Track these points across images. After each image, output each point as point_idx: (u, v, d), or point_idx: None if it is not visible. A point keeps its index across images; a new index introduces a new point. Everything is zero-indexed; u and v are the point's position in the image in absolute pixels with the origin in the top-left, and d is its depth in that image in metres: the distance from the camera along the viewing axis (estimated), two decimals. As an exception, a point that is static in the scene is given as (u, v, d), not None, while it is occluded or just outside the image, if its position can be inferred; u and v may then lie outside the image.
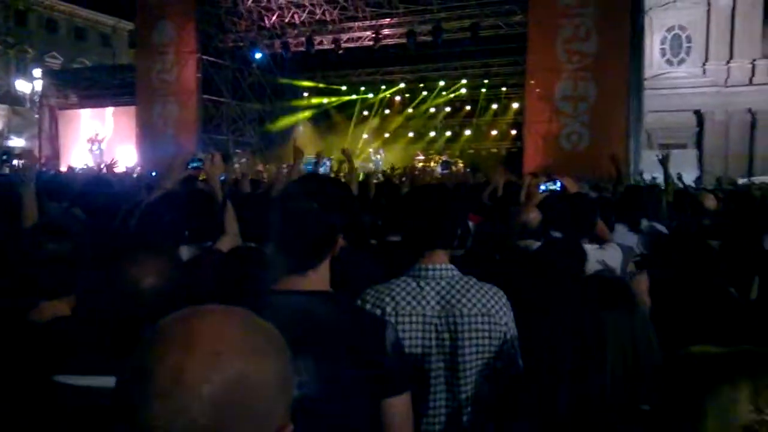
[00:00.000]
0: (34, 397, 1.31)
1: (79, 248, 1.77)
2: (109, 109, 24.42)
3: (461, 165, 20.19)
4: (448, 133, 26.99)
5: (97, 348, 1.34)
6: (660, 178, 5.95)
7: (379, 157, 23.34)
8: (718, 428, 0.94)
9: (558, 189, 3.25)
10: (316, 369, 1.44)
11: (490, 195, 5.19)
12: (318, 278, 1.59)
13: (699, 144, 26.85)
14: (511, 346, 2.01)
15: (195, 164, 3.21)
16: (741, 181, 16.13)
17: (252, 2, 18.86)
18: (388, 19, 18.10)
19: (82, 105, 26.06)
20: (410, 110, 26.33)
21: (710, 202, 4.47)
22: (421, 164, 19.13)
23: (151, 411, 0.67)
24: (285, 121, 23.65)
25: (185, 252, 2.84)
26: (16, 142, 33.62)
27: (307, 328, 1.45)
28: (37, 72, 26.77)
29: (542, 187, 3.23)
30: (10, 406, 1.45)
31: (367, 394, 1.53)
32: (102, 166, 9.21)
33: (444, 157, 23.81)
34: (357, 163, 14.73)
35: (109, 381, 0.76)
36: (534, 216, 3.13)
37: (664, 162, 4.23)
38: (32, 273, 1.71)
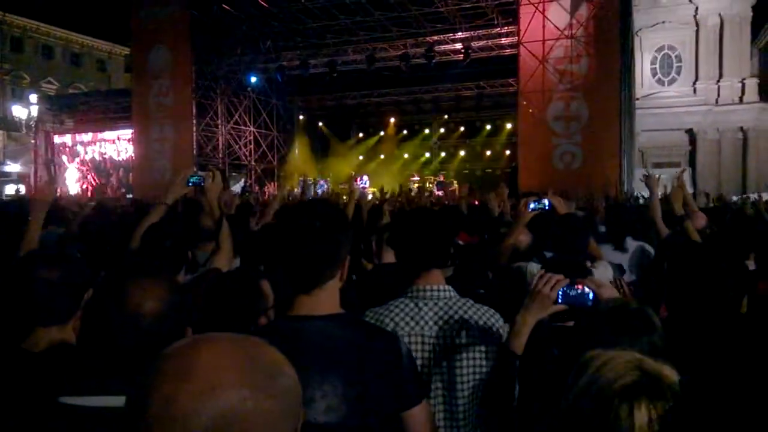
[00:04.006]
0: (40, 420, 1.31)
1: (75, 274, 1.78)
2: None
3: (456, 185, 20.28)
4: (443, 154, 27.16)
5: (103, 371, 1.34)
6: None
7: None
8: None
9: (546, 208, 3.27)
10: (342, 392, 1.47)
11: (485, 214, 5.19)
12: (327, 300, 1.58)
13: (692, 162, 26.99)
14: None
15: (195, 180, 3.26)
16: (735, 198, 16.21)
17: (247, 27, 19.05)
18: (381, 43, 18.31)
19: (77, 130, 26.14)
20: (405, 132, 26.52)
21: (700, 221, 4.48)
22: (416, 185, 19.20)
23: None
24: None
25: (183, 274, 2.86)
26: (12, 168, 33.64)
27: (326, 352, 1.50)
28: (33, 97, 26.82)
29: (531, 206, 3.26)
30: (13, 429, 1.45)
31: (390, 409, 1.55)
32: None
33: (439, 178, 23.94)
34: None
35: (121, 401, 0.76)
36: (524, 238, 3.16)
37: (649, 183, 4.28)
38: (25, 301, 1.69)
